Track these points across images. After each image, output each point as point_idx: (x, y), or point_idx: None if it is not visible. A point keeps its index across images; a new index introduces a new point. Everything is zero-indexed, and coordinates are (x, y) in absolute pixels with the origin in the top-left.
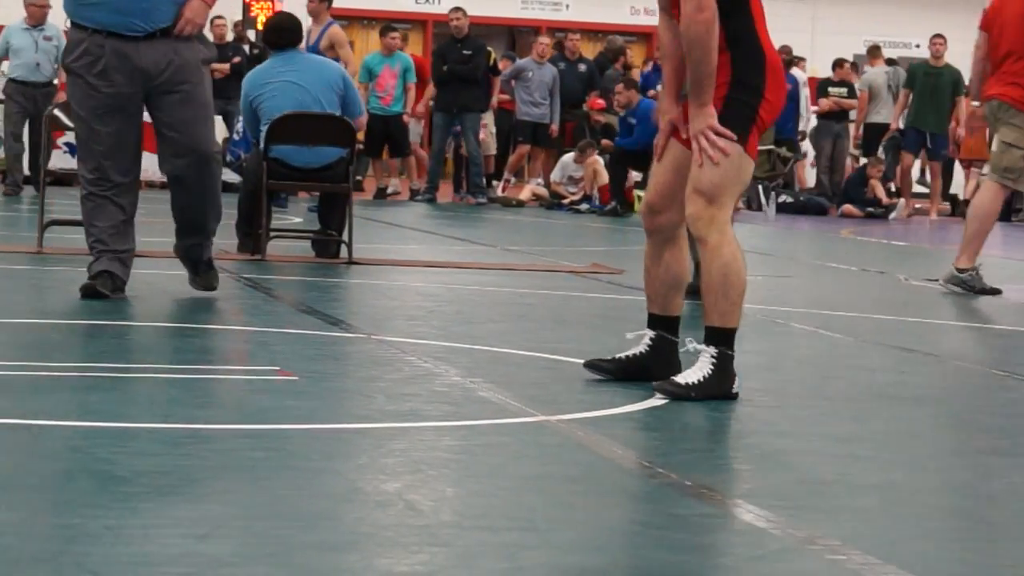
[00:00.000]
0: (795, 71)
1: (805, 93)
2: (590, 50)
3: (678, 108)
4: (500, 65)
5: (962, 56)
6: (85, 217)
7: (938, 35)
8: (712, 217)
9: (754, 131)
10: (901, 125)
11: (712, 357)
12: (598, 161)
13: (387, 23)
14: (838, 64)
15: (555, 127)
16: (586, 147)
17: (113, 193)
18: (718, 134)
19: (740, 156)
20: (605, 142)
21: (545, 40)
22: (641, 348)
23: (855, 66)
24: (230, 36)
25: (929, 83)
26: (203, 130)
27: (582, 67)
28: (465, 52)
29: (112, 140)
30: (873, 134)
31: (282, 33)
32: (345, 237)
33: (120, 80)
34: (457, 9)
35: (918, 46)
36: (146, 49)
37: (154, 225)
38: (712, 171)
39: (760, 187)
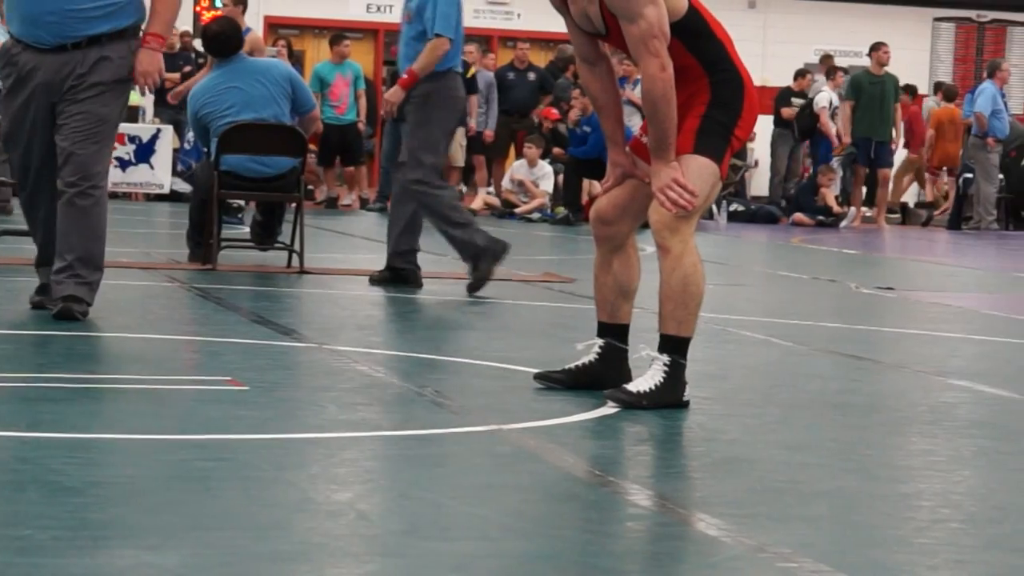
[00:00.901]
0: None
1: None
2: (541, 59)
3: (628, 158)
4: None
5: (911, 65)
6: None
7: (881, 43)
8: (677, 227)
9: (728, 152)
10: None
11: (665, 365)
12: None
13: (338, 32)
14: (800, 75)
15: (489, 132)
16: (532, 142)
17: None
18: (681, 186)
19: (713, 175)
20: (557, 151)
21: (470, 49)
22: (591, 357)
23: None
24: (178, 46)
25: (875, 92)
26: (93, 150)
27: (532, 76)
28: None
29: (26, 153)
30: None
31: (223, 41)
32: (296, 247)
33: (28, 92)
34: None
35: (868, 55)
36: (52, 62)
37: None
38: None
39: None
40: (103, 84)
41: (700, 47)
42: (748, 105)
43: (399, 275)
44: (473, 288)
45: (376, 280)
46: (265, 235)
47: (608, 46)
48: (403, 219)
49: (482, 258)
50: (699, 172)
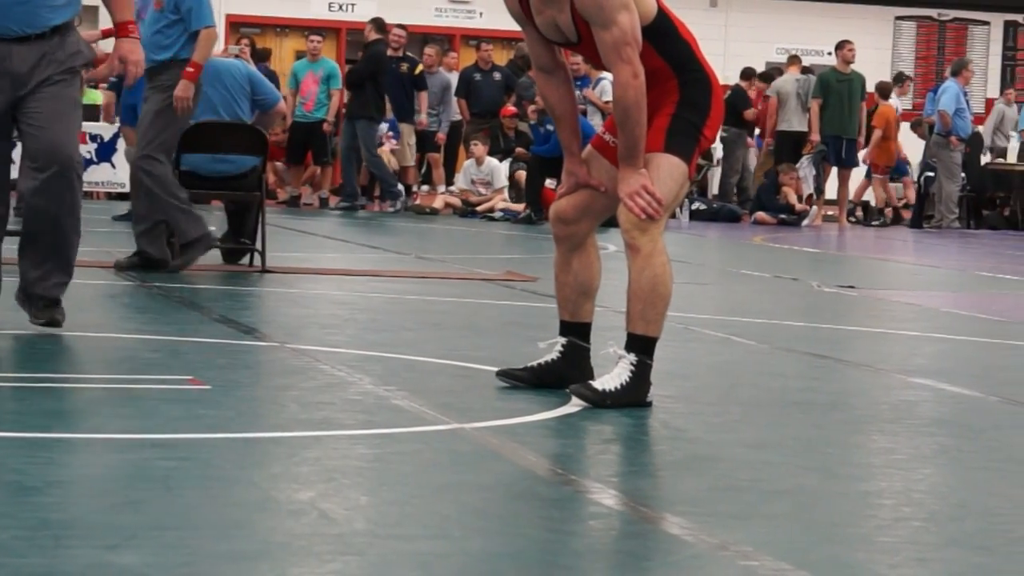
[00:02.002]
0: None
1: None
2: (503, 58)
3: (583, 167)
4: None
5: (873, 64)
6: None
7: (846, 41)
8: (646, 227)
9: (696, 151)
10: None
11: (631, 365)
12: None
13: (304, 30)
14: (751, 75)
15: (441, 135)
16: (477, 140)
17: None
18: (650, 193)
19: (682, 175)
20: (519, 150)
21: (430, 51)
22: (553, 355)
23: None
24: None
25: (842, 90)
26: (66, 130)
27: (497, 75)
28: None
29: None
30: (783, 142)
31: None
32: (258, 245)
33: None
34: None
35: (830, 53)
36: (19, 51)
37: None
38: (655, 185)
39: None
40: (74, 70)
41: (669, 49)
42: (716, 105)
43: (148, 260)
44: (172, 269)
45: (123, 266)
46: (235, 236)
47: (567, 52)
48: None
49: (193, 247)
50: (669, 171)
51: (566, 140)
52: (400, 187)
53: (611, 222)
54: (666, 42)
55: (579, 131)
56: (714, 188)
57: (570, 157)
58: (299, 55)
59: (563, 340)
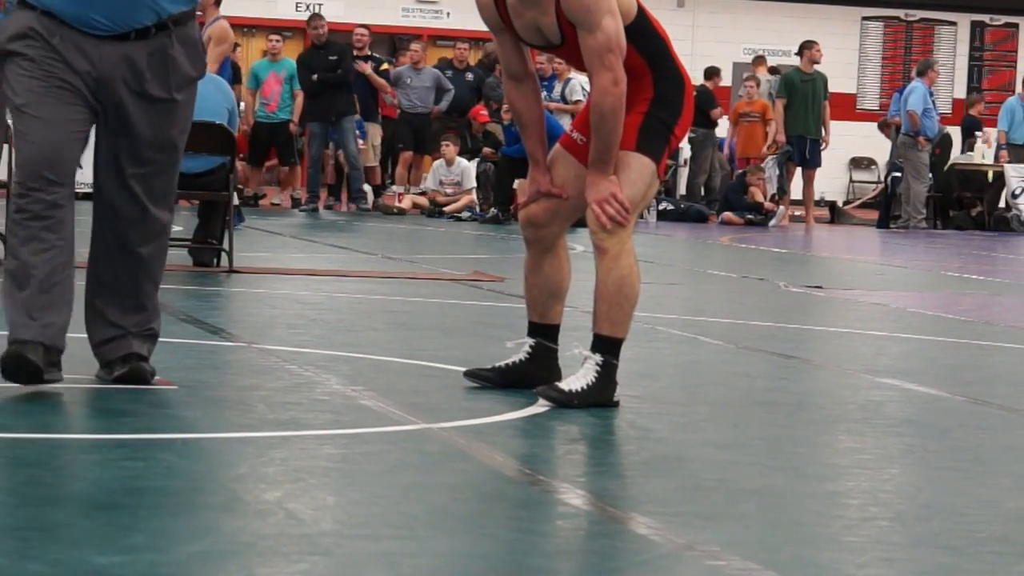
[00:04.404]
0: None
1: None
2: (471, 58)
3: (547, 177)
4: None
5: (840, 65)
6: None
7: (813, 41)
8: (614, 228)
9: (667, 150)
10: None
11: (597, 365)
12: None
13: (270, 31)
14: (714, 73)
15: (436, 108)
16: (448, 140)
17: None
18: (619, 202)
19: (651, 175)
20: (487, 150)
21: (416, 47)
22: (521, 356)
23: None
24: None
25: (806, 90)
26: (165, 193)
27: (470, 76)
28: (331, 59)
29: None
30: None
31: None
32: (225, 245)
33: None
34: (317, 16)
35: (797, 54)
36: (110, 55)
37: None
38: (623, 186)
39: None
40: (182, 87)
41: (647, 46)
42: (687, 104)
43: None
44: None
45: None
46: (203, 236)
47: (533, 54)
48: None
49: None
50: (639, 171)
51: (531, 148)
52: (367, 187)
53: (580, 222)
54: (644, 40)
55: (545, 140)
56: (681, 188)
57: (534, 165)
58: (265, 54)
59: (531, 341)
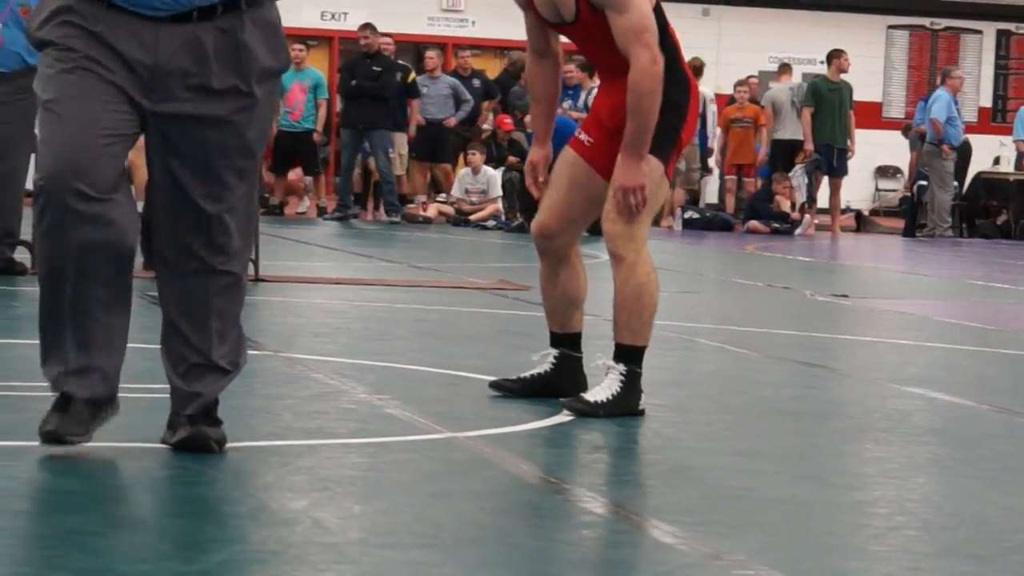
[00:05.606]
0: (704, 88)
1: (713, 109)
2: (496, 67)
3: (544, 151)
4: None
5: (865, 73)
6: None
7: (841, 50)
8: (631, 235)
9: (675, 153)
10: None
11: (621, 375)
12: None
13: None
14: (740, 84)
15: (452, 120)
16: (475, 149)
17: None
18: (644, 196)
19: (661, 177)
20: (512, 159)
21: (431, 54)
22: (546, 367)
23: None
24: None
25: (833, 99)
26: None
27: (476, 83)
28: (375, 69)
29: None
30: (778, 150)
31: None
32: (251, 254)
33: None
34: (366, 26)
35: (822, 62)
36: (168, 40)
37: None
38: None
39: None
40: (262, 81)
41: (661, 42)
42: (693, 108)
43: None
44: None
45: None
46: None
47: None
48: None
49: None
50: (649, 175)
51: (536, 123)
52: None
53: (596, 229)
54: (660, 38)
55: (552, 120)
56: (708, 197)
57: (536, 143)
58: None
59: (555, 352)
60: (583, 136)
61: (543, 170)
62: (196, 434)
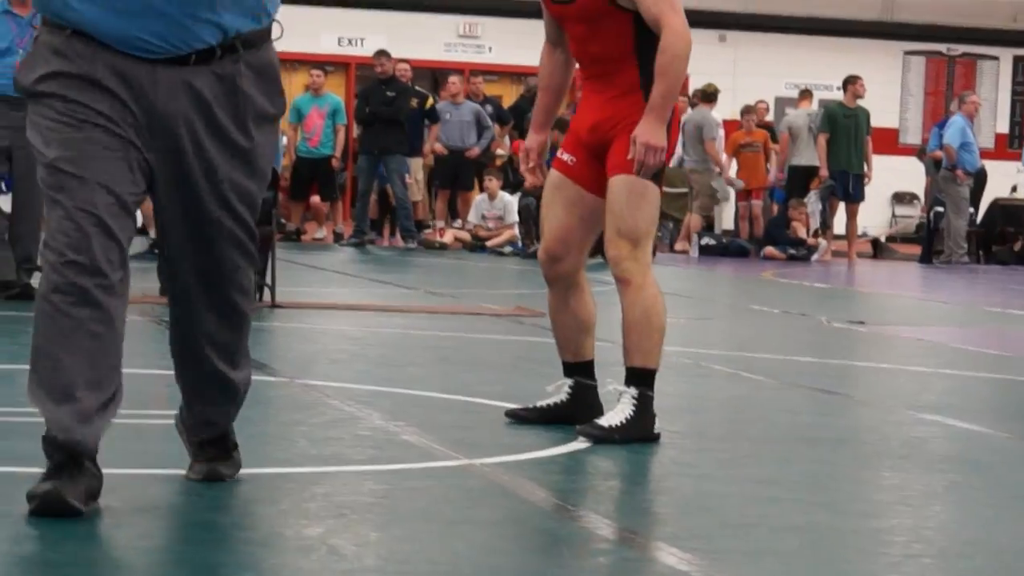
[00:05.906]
0: (715, 113)
1: (720, 134)
2: (513, 93)
3: (541, 137)
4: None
5: (881, 99)
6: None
7: (857, 76)
8: (637, 258)
9: (662, 172)
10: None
11: (633, 399)
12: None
13: (314, 65)
14: (747, 111)
15: (476, 150)
16: (491, 175)
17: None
18: (657, 157)
19: (657, 198)
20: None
21: (454, 79)
22: (561, 396)
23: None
24: None
25: (849, 125)
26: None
27: (488, 108)
28: (388, 94)
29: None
30: (795, 176)
31: None
32: (268, 280)
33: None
34: (381, 53)
35: (839, 88)
36: (166, 82)
37: None
38: (635, 214)
39: (671, 225)
40: (260, 126)
41: (649, 67)
42: (675, 127)
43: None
44: None
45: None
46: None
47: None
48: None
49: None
50: (645, 195)
51: (539, 111)
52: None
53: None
54: (650, 59)
55: (555, 112)
56: (723, 223)
57: (533, 129)
58: (307, 89)
59: (569, 381)
60: (565, 156)
61: (536, 156)
62: (210, 473)
